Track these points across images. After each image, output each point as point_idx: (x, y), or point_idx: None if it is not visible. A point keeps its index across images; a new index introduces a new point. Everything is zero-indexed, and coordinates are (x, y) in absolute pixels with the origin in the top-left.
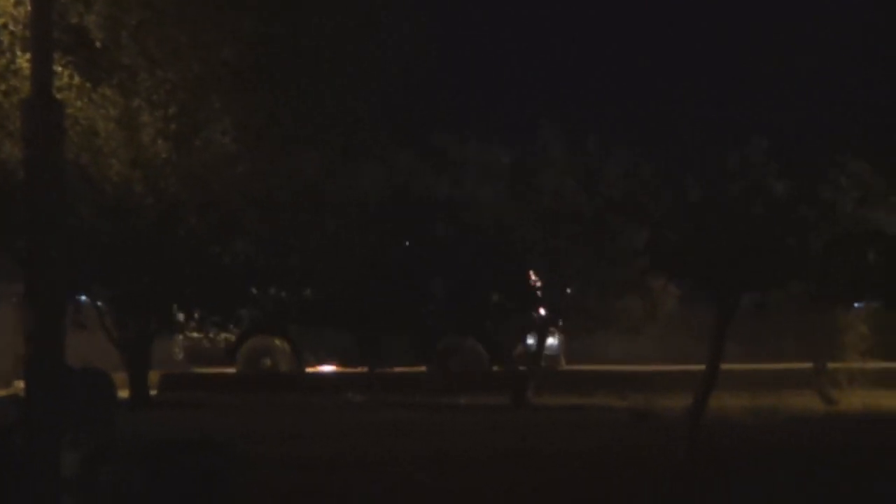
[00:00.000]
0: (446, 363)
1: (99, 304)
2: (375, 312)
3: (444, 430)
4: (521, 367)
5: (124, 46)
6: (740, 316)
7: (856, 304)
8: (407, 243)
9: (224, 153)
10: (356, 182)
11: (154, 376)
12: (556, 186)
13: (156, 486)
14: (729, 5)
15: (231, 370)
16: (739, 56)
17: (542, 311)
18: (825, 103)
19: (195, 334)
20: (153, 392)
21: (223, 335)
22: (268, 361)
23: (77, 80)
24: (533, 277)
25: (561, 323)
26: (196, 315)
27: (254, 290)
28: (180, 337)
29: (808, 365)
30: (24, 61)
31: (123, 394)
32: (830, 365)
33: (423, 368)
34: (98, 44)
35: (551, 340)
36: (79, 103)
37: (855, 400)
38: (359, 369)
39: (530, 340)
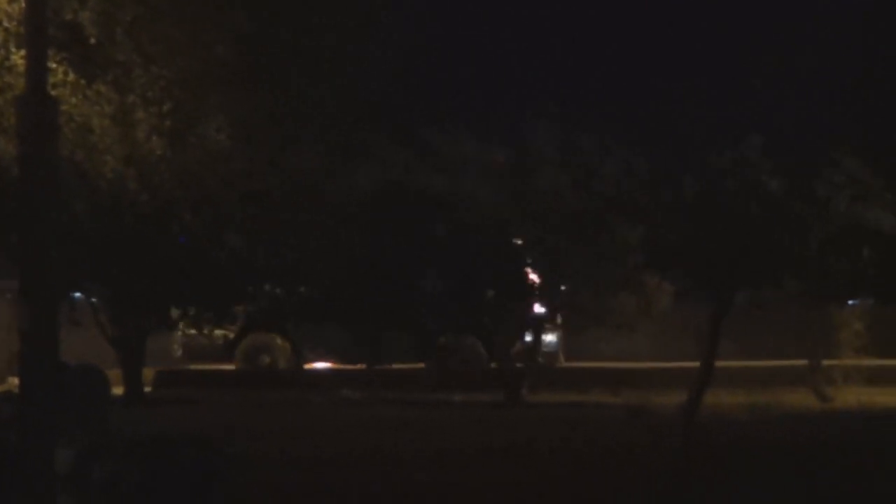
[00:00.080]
0: (446, 361)
1: (93, 300)
2: (373, 310)
3: (437, 428)
4: (519, 365)
5: (119, 43)
6: (736, 313)
7: (851, 301)
8: (403, 241)
9: (219, 150)
10: (352, 179)
11: (150, 373)
12: (552, 184)
13: (150, 483)
14: (725, 3)
15: (228, 367)
16: (735, 54)
17: (539, 309)
18: (820, 101)
19: (191, 331)
20: (148, 389)
21: (222, 332)
22: (266, 358)
23: (72, 76)
24: (530, 275)
25: (560, 320)
26: (191, 312)
27: (249, 288)
28: (179, 334)
29: (803, 362)
30: (18, 58)
31: (118, 391)
32: (825, 362)
33: (421, 365)
34: (92, 40)
35: (550, 337)
36: (73, 100)
37: (850, 397)
38: (357, 366)
39: (528, 338)
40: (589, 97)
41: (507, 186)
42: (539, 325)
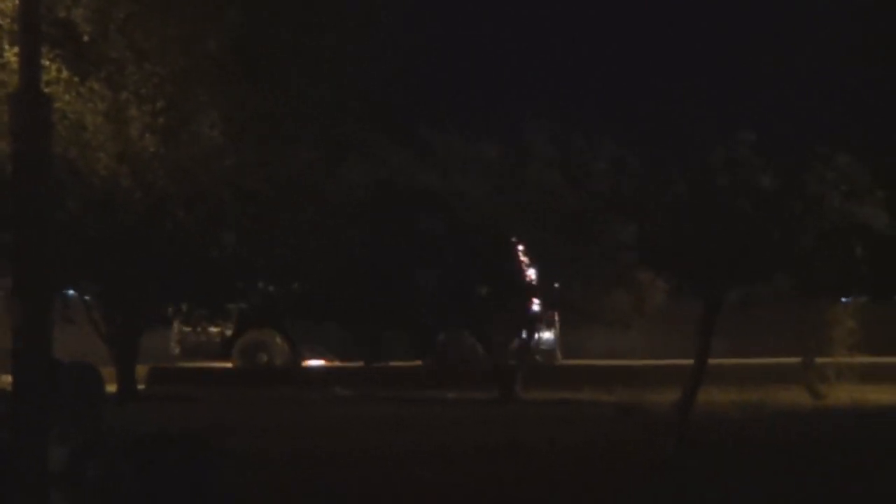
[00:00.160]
0: (445, 358)
1: (86, 298)
2: (370, 308)
3: (428, 425)
4: (512, 362)
5: (112, 40)
6: (728, 310)
7: (843, 299)
8: (399, 239)
9: (212, 147)
10: (348, 177)
11: (145, 371)
12: (543, 181)
13: (144, 481)
14: (719, 2)
15: (225, 364)
16: (729, 52)
17: (535, 306)
18: (813, 98)
19: (187, 328)
20: (141, 386)
21: (220, 329)
22: (264, 356)
23: (65, 74)
24: (526, 272)
25: (557, 317)
26: (184, 309)
27: (242, 285)
28: (177, 331)
29: (795, 359)
30: (11, 55)
31: (111, 388)
32: (818, 359)
33: (419, 363)
34: (86, 38)
35: (548, 335)
36: (67, 97)
37: (842, 394)
38: (356, 364)
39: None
40: (583, 94)
41: (502, 184)
42: (533, 322)
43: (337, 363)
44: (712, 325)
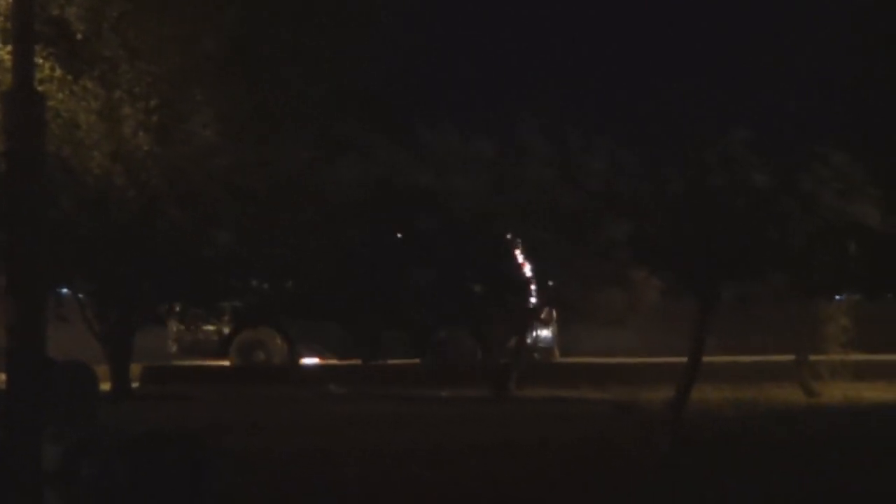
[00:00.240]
0: (443, 356)
1: (80, 296)
2: (368, 306)
3: (420, 423)
4: (504, 360)
5: (105, 38)
6: (722, 308)
7: (837, 296)
8: (395, 237)
9: (205, 145)
10: (343, 175)
11: (140, 369)
12: (540, 180)
13: (138, 480)
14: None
15: (223, 363)
16: (723, 50)
17: (531, 304)
18: (807, 96)
19: (180, 327)
20: (135, 385)
21: (217, 328)
22: (261, 354)
23: (58, 72)
24: (523, 270)
25: (555, 315)
26: (178, 307)
27: (236, 283)
28: (174, 329)
29: (789, 357)
30: (5, 53)
31: (105, 386)
32: (812, 357)
33: (417, 361)
34: (79, 36)
35: (546, 333)
36: (60, 95)
37: (836, 392)
38: (350, 362)
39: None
40: (577, 92)
41: (499, 182)
42: (528, 320)
43: (333, 361)
44: (706, 323)
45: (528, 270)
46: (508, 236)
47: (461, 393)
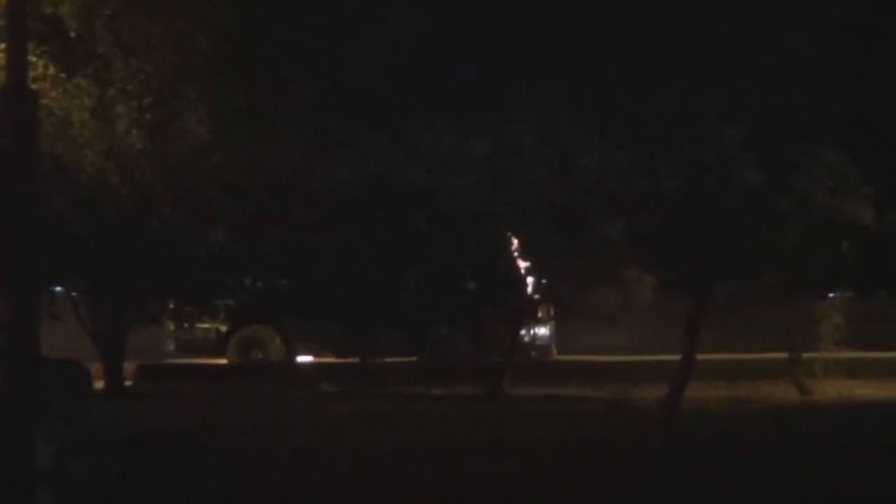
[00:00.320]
0: (439, 354)
1: (73, 294)
2: (364, 304)
3: (416, 421)
4: (498, 359)
5: (98, 36)
6: (715, 306)
7: (831, 294)
8: (390, 235)
9: (199, 143)
10: (337, 173)
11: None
12: (533, 177)
13: (131, 478)
14: None
15: (220, 361)
16: (716, 47)
17: (526, 303)
18: (800, 94)
19: (184, 324)
20: (129, 383)
21: (214, 326)
22: (258, 353)
23: (52, 70)
24: (517, 268)
25: (552, 313)
26: (171, 305)
27: (228, 281)
28: (171, 328)
29: (783, 355)
30: None
31: (98, 385)
32: (806, 355)
33: (414, 359)
34: (72, 34)
35: (543, 330)
36: (53, 93)
37: (830, 389)
38: (346, 360)
39: (521, 331)
40: (572, 91)
41: (492, 180)
42: (523, 318)
43: (328, 359)
44: (699, 321)
45: (522, 269)
46: (504, 235)
47: (455, 391)
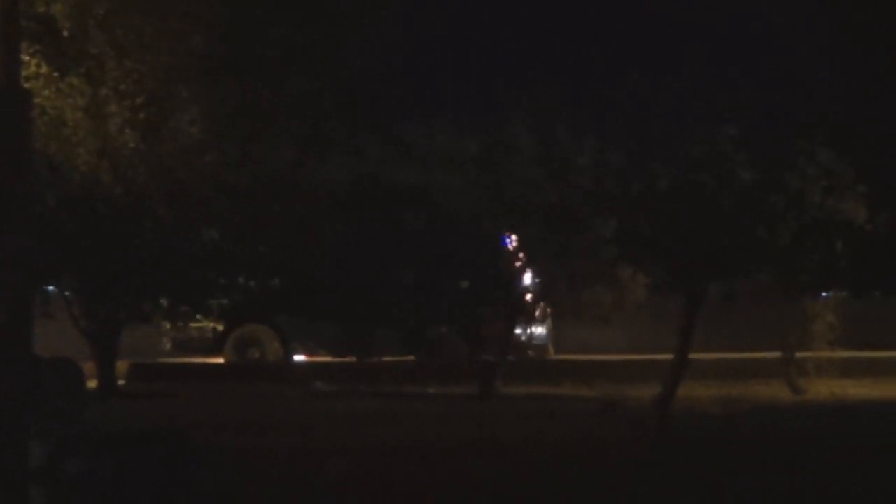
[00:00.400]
0: (436, 354)
1: (67, 293)
2: (360, 304)
3: (409, 420)
4: (489, 357)
5: (92, 36)
6: (708, 305)
7: (824, 293)
8: (384, 234)
9: (192, 142)
10: (327, 171)
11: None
12: (524, 176)
13: (123, 477)
14: None
15: (212, 360)
16: (710, 45)
17: (520, 302)
18: (794, 92)
19: (180, 324)
20: (122, 382)
21: (212, 325)
22: (255, 352)
23: (45, 69)
24: (511, 268)
25: (549, 312)
26: (165, 304)
27: (222, 280)
28: (168, 327)
29: (776, 354)
30: None
31: (92, 384)
32: (799, 354)
33: (411, 359)
34: (65, 33)
35: (540, 330)
36: (46, 92)
37: (823, 389)
38: (339, 359)
39: (518, 330)
40: (565, 89)
41: (486, 179)
42: (514, 317)
43: (322, 358)
44: (693, 320)
45: (516, 268)
46: (500, 234)
47: (448, 390)
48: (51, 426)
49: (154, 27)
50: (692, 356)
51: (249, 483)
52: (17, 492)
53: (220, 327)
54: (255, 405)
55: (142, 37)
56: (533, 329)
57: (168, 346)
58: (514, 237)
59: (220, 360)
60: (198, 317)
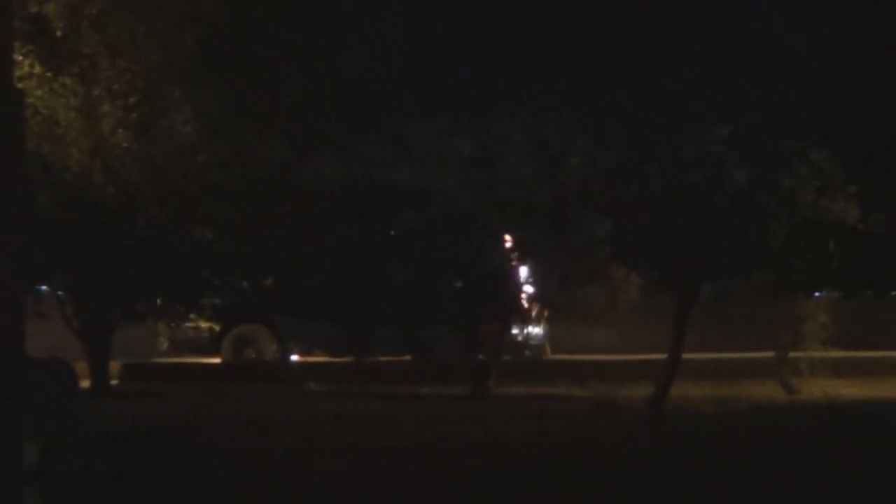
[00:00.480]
0: (432, 354)
1: (59, 293)
2: (356, 303)
3: (404, 420)
4: (481, 357)
5: (84, 35)
6: (701, 305)
7: (816, 293)
8: (379, 234)
9: (185, 142)
10: (321, 171)
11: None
12: (517, 176)
13: (116, 476)
14: None
15: (207, 360)
16: (703, 46)
17: (515, 302)
18: (786, 93)
19: (178, 323)
20: (114, 382)
21: (208, 325)
22: (252, 351)
23: (38, 68)
24: (506, 268)
25: (546, 312)
26: (157, 304)
27: (214, 280)
28: (165, 326)
29: (769, 354)
30: None
31: (84, 384)
32: (791, 354)
33: (407, 359)
34: (58, 33)
35: (537, 330)
36: (39, 92)
37: (816, 389)
38: (333, 359)
39: (515, 330)
40: (558, 90)
41: (478, 179)
42: (508, 317)
43: (321, 358)
44: (685, 320)
45: (511, 268)
46: (495, 234)
47: (442, 390)
48: (43, 426)
49: (147, 27)
50: (685, 356)
51: (243, 482)
52: (10, 492)
53: (217, 327)
54: (249, 405)
55: (134, 36)
56: (530, 329)
57: (165, 345)
58: (508, 237)
59: (217, 360)
60: (191, 316)
